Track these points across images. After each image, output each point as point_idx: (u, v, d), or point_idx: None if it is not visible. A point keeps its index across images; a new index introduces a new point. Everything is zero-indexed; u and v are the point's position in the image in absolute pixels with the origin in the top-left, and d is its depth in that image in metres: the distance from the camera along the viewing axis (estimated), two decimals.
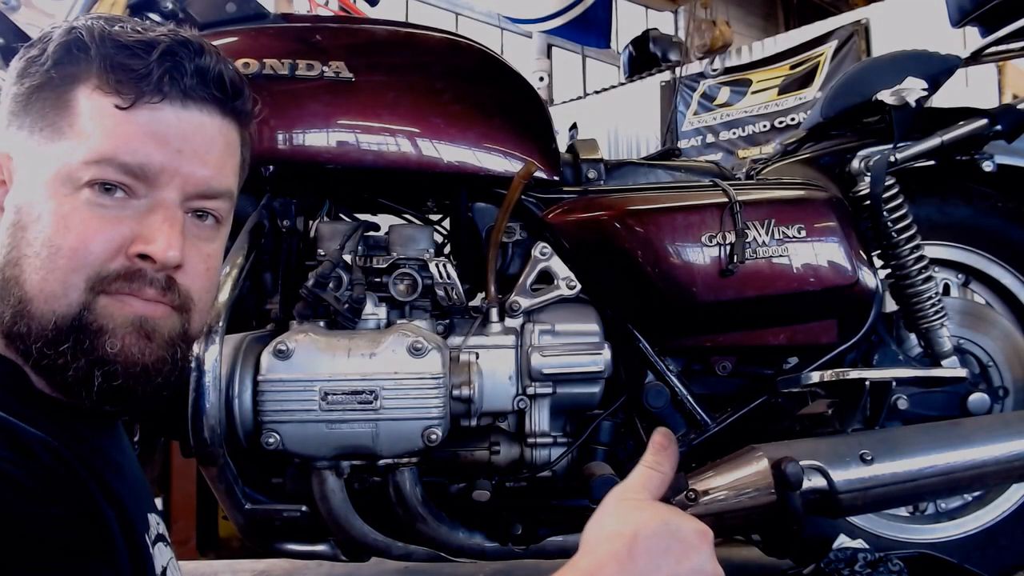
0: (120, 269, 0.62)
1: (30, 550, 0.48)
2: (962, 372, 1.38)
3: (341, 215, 1.42)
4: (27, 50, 0.65)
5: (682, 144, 6.49)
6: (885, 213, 1.39)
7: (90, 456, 0.62)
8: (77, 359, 0.61)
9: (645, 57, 7.54)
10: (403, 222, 1.44)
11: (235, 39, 1.27)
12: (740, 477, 1.23)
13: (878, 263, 1.42)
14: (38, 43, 0.65)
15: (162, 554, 0.70)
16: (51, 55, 0.63)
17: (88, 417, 0.64)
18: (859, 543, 1.37)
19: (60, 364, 0.61)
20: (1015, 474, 1.31)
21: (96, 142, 0.62)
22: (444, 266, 1.28)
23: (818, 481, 1.22)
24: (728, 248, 1.29)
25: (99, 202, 0.62)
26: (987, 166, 1.44)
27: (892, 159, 1.38)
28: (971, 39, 1.62)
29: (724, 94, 6.55)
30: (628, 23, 10.83)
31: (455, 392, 1.22)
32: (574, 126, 2.47)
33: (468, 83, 1.35)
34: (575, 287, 1.33)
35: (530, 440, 1.28)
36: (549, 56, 10.31)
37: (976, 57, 1.57)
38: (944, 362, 1.41)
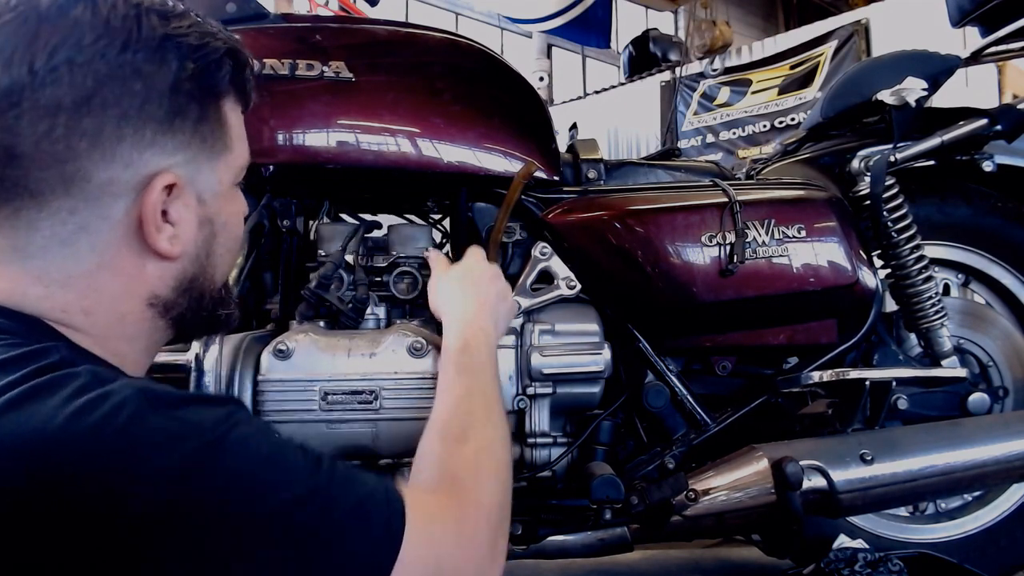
0: None
1: None
2: (962, 372, 1.38)
3: (341, 215, 1.42)
4: (163, 59, 0.65)
5: (682, 144, 6.50)
6: (885, 213, 1.39)
7: None
8: (223, 309, 0.76)
9: (645, 57, 7.54)
10: (403, 222, 1.45)
11: None
12: (740, 477, 1.24)
13: (878, 263, 1.42)
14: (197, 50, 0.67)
15: None
16: (196, 70, 0.66)
17: None
18: (859, 543, 1.37)
19: (205, 317, 0.73)
20: (1015, 474, 1.32)
21: (242, 149, 0.74)
22: None
23: (818, 481, 1.22)
24: (728, 248, 1.29)
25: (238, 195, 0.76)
26: (987, 166, 1.44)
27: (892, 159, 1.38)
28: (971, 39, 1.62)
29: (724, 94, 6.56)
30: (628, 23, 10.84)
31: None
32: (574, 126, 2.46)
33: (468, 83, 1.35)
34: (575, 287, 1.33)
35: (530, 440, 1.28)
36: (549, 56, 10.32)
37: (976, 57, 1.57)
38: (944, 362, 1.41)
